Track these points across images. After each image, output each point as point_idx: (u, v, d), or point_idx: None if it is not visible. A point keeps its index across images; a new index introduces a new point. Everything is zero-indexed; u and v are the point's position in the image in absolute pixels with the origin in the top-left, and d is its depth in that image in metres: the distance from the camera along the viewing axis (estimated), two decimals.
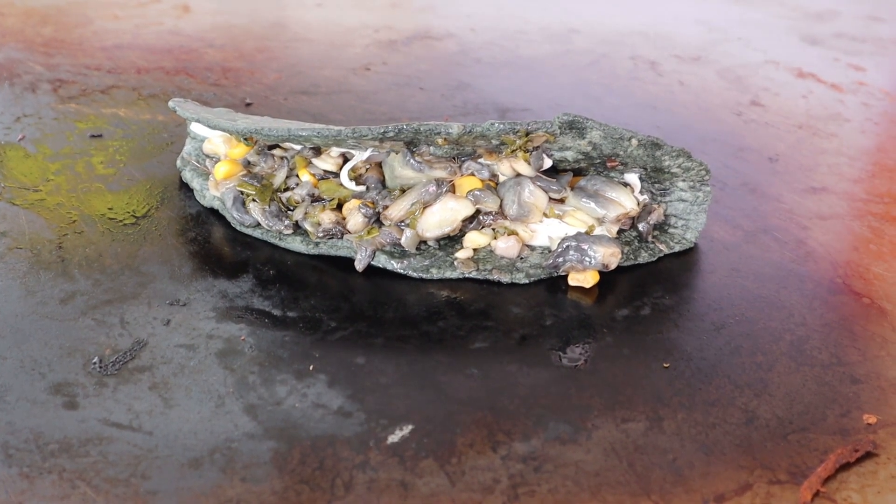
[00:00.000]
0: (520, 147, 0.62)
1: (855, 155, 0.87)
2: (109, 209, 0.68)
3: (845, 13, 1.35)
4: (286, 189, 0.66)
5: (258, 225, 0.65)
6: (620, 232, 0.67)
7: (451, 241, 0.65)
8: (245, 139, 0.67)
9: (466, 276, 0.63)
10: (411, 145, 0.62)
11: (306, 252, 0.64)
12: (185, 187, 0.71)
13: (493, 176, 0.64)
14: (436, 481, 0.47)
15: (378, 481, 0.47)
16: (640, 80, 1.04)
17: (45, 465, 0.46)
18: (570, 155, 0.63)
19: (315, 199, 0.65)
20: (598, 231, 0.64)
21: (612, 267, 0.63)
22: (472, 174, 0.64)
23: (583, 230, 0.64)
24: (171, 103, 0.73)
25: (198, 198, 0.70)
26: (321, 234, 0.64)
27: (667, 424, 0.52)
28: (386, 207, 0.63)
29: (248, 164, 0.67)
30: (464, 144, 0.61)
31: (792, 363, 0.57)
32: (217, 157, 0.70)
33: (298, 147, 0.67)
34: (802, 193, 0.78)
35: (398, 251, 0.63)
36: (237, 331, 0.57)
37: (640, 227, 0.66)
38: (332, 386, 0.53)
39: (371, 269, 0.63)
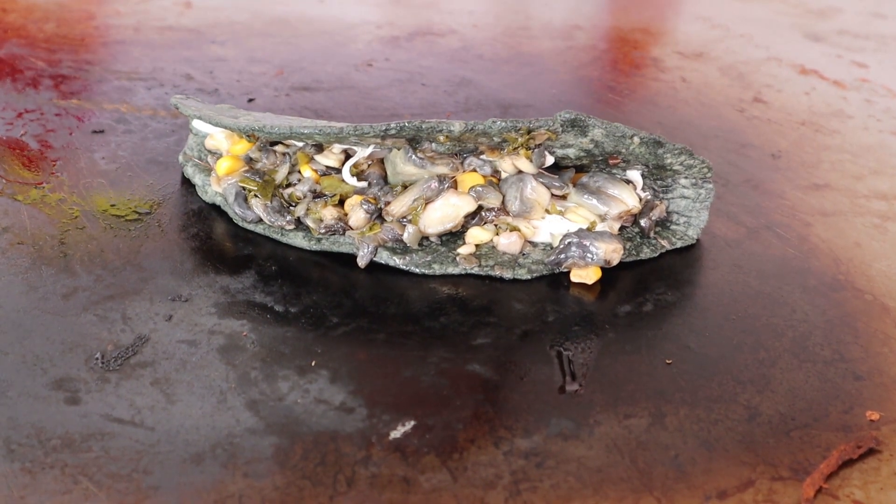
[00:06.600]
0: (522, 144, 0.62)
1: (857, 152, 0.87)
2: (111, 205, 0.68)
3: (848, 10, 1.35)
4: (288, 185, 0.66)
5: (260, 221, 0.65)
6: (622, 228, 0.67)
7: (453, 236, 0.65)
8: (247, 136, 0.67)
9: (468, 272, 0.63)
10: (413, 142, 0.62)
11: (308, 248, 0.64)
12: (188, 183, 0.71)
13: (496, 172, 0.64)
14: (438, 477, 0.47)
15: (380, 477, 0.47)
16: (643, 77, 1.04)
17: (47, 461, 0.46)
18: (571, 152, 0.63)
19: (317, 195, 0.65)
20: (599, 227, 0.64)
21: (614, 263, 0.63)
22: (474, 170, 0.63)
23: (585, 226, 0.64)
24: (173, 100, 0.73)
25: (200, 194, 0.70)
26: (323, 230, 0.64)
27: (669, 421, 0.52)
28: (388, 203, 0.63)
29: (250, 161, 0.67)
30: (465, 141, 0.61)
31: (794, 360, 0.57)
32: (219, 153, 0.70)
33: (300, 143, 0.67)
34: (805, 190, 0.78)
35: (400, 247, 0.63)
36: (239, 326, 0.56)
37: (642, 223, 0.66)
38: (334, 382, 0.53)
39: (373, 265, 0.63)
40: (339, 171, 0.66)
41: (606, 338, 0.58)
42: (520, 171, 0.63)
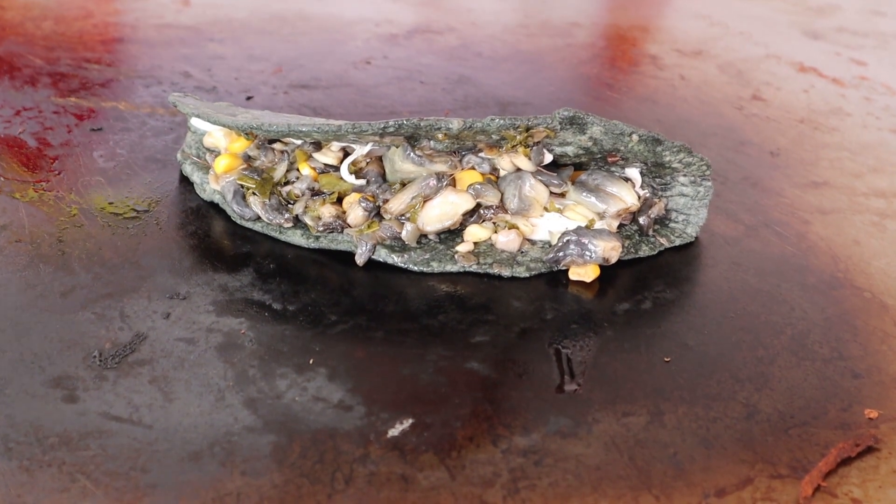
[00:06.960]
0: (520, 142, 0.62)
1: (856, 149, 0.87)
2: (110, 203, 0.68)
3: (847, 8, 1.35)
4: (286, 183, 0.66)
5: (258, 218, 0.65)
6: (621, 226, 0.66)
7: (452, 234, 0.65)
8: (245, 133, 0.67)
9: (467, 269, 0.63)
10: (412, 140, 0.62)
11: (306, 246, 0.64)
12: (186, 181, 0.71)
13: (494, 170, 0.64)
14: (436, 475, 0.47)
15: (378, 475, 0.47)
16: (641, 75, 1.03)
17: (45, 459, 0.46)
18: (570, 150, 0.63)
19: (315, 192, 0.65)
20: (598, 225, 0.64)
21: (613, 261, 0.63)
22: (473, 168, 0.63)
23: (583, 224, 0.64)
24: (171, 98, 0.73)
25: (198, 191, 0.69)
26: (321, 228, 0.64)
27: (668, 418, 0.52)
28: (386, 201, 0.63)
29: (248, 158, 0.67)
30: (464, 139, 0.61)
31: (793, 357, 0.57)
32: (217, 150, 0.70)
33: (299, 141, 0.67)
34: (804, 188, 0.78)
35: (398, 245, 0.63)
36: (237, 324, 0.56)
37: (641, 220, 0.66)
38: (333, 379, 0.53)
39: (371, 263, 0.63)
40: (337, 168, 0.66)
41: (605, 336, 0.58)
42: (518, 169, 0.63)
